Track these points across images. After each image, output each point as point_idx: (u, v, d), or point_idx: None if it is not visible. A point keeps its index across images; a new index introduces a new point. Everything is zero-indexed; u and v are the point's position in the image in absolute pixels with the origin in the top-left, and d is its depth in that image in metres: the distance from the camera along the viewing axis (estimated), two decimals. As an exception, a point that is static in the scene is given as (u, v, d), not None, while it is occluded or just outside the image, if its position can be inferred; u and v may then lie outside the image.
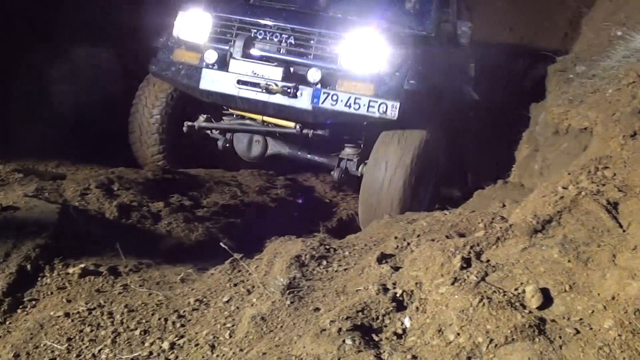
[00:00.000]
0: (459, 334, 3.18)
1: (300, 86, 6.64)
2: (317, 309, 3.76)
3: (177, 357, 3.67)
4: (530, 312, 3.29)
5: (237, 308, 4.01)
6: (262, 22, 6.99)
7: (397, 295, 3.65)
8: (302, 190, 8.41)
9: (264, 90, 6.71)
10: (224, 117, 7.87)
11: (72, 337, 3.86)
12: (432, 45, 7.69)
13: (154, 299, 4.26)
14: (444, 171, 7.66)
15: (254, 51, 6.87)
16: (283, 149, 7.63)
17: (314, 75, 6.64)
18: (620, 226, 4.02)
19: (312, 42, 6.83)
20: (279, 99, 6.71)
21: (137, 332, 3.89)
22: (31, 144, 7.21)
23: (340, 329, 3.32)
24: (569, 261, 3.63)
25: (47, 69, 8.21)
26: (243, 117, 7.61)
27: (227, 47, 6.91)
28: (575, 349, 3.06)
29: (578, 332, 3.16)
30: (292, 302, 3.81)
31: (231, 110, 7.68)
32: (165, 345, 3.76)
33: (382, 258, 4.15)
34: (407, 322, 3.46)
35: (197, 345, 3.74)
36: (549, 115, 6.57)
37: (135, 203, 5.91)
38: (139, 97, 7.93)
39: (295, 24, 6.91)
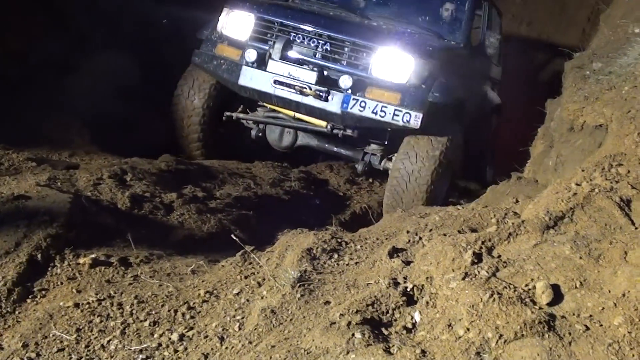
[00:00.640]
0: (468, 329, 3.17)
1: (332, 90, 7.05)
2: (327, 302, 3.75)
3: (186, 348, 3.68)
4: (540, 308, 3.28)
5: (247, 300, 4.01)
6: (301, 26, 7.35)
7: (408, 289, 3.64)
8: (316, 183, 8.37)
9: (298, 92, 7.14)
10: (258, 108, 8.31)
11: (81, 327, 3.87)
12: (460, 55, 8.24)
13: (164, 290, 4.26)
14: (462, 167, 8.13)
15: (292, 54, 7.27)
16: (312, 141, 8.16)
17: (345, 81, 7.01)
18: (633, 223, 3.99)
19: (346, 49, 7.21)
20: (311, 101, 7.14)
21: (146, 323, 3.91)
22: (46, 132, 7.22)
23: (349, 323, 3.32)
24: (581, 258, 3.62)
25: (63, 58, 8.23)
26: (276, 111, 8.02)
27: (266, 47, 7.31)
28: (585, 345, 3.05)
29: (588, 328, 3.15)
30: (302, 295, 3.81)
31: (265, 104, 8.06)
32: (175, 336, 3.77)
33: (394, 252, 4.15)
34: (417, 317, 3.45)
35: (206, 337, 3.74)
36: (564, 112, 6.53)
37: (148, 194, 5.90)
38: (181, 88, 8.24)
39: (332, 32, 7.25)
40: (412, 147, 7.24)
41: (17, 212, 4.80)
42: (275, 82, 7.18)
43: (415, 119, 6.90)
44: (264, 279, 4.19)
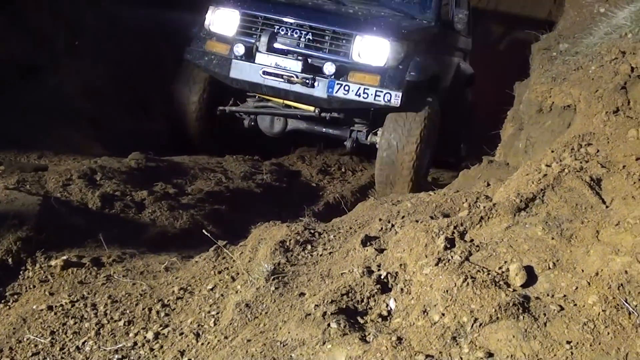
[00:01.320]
0: (443, 314, 3.17)
1: (317, 77, 7.58)
2: (302, 294, 3.74)
3: (161, 346, 3.66)
4: (514, 290, 3.28)
5: (222, 295, 4.00)
6: (284, 19, 7.89)
7: (382, 277, 3.64)
8: (288, 174, 8.38)
9: (286, 81, 7.67)
10: (247, 99, 8.71)
11: (55, 330, 3.84)
12: (432, 33, 8.81)
13: (137, 289, 4.24)
14: (439, 140, 8.60)
15: (277, 45, 7.77)
16: (301, 125, 8.60)
17: (329, 68, 7.56)
18: (604, 202, 4.02)
19: (327, 38, 7.80)
20: (299, 88, 7.67)
21: (121, 323, 3.88)
22: (13, 135, 7.15)
23: (325, 313, 3.31)
24: (553, 238, 3.63)
25: (28, 58, 8.17)
26: (265, 99, 8.50)
27: (253, 41, 7.81)
28: (560, 325, 3.06)
29: (562, 308, 3.15)
30: (276, 288, 3.80)
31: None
32: (150, 335, 3.75)
33: (367, 240, 4.14)
34: (392, 304, 3.45)
35: (181, 334, 3.73)
36: (533, 94, 6.56)
37: (119, 192, 5.87)
38: (177, 84, 8.60)
39: (313, 22, 7.82)
40: (395, 122, 7.74)
41: (-14, 217, 4.75)
42: (264, 72, 7.66)
43: (395, 98, 7.46)
44: (238, 273, 4.17)
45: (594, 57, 6.05)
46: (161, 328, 3.80)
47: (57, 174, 5.86)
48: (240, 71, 7.79)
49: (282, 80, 7.66)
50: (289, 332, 3.30)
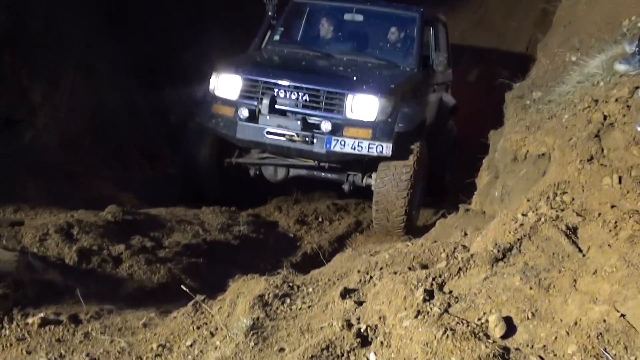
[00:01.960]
0: (424, 368, 3.17)
1: (316, 134, 8.27)
2: (281, 349, 3.72)
3: (140, 404, 3.63)
4: (494, 341, 3.29)
5: (201, 352, 3.96)
6: (282, 82, 8.50)
7: (362, 330, 3.62)
8: (265, 225, 8.39)
9: (287, 139, 8.32)
10: (251, 150, 9.29)
11: (33, 389, 3.80)
12: (415, 78, 9.55)
13: (115, 346, 4.20)
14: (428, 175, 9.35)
15: (277, 106, 8.38)
16: (302, 172, 9.26)
17: (326, 126, 8.23)
18: (580, 251, 4.04)
19: (322, 98, 8.42)
20: (299, 145, 8.36)
21: (99, 382, 3.85)
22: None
23: (305, 368, 3.30)
24: (531, 288, 3.64)
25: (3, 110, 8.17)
26: None
27: (255, 103, 8.42)
28: (541, 376, 3.07)
29: (542, 359, 3.16)
30: (256, 344, 3.77)
31: None
32: (129, 393, 3.71)
33: (346, 293, 4.13)
34: (372, 358, 3.44)
35: (161, 391, 3.69)
36: (507, 142, 6.61)
37: (96, 247, 5.84)
38: (187, 141, 9.21)
39: (309, 84, 8.47)
40: (387, 169, 8.37)
41: (-38, 274, 4.71)
42: (268, 132, 8.33)
43: (386, 149, 8.16)
44: (217, 329, 4.14)
45: (567, 106, 6.12)
46: (140, 386, 3.78)
47: (33, 228, 5.83)
48: (246, 132, 8.44)
49: (284, 138, 8.31)
50: (269, 388, 3.28)
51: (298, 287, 4.54)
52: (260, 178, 9.41)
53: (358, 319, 3.77)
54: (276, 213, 9.26)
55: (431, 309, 3.54)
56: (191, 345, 4.05)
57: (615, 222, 4.21)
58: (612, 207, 4.40)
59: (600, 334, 3.23)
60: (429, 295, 3.69)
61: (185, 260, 6.26)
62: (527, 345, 3.28)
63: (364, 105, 8.35)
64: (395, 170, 8.35)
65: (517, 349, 3.25)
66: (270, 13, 9.98)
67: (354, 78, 8.75)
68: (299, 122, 8.26)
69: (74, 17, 9.94)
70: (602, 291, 3.55)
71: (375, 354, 3.45)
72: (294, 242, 8.13)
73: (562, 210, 4.49)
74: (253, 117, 8.38)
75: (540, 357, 3.18)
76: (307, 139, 8.25)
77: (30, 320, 4.45)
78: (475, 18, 16.64)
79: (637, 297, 3.43)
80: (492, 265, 3.95)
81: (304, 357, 3.39)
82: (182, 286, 4.58)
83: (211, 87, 8.86)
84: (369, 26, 10.48)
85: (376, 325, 3.64)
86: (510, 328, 3.39)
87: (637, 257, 3.76)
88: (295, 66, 9.28)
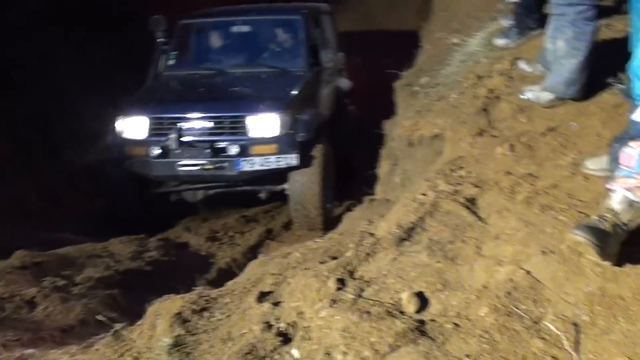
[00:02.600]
0: (346, 353, 3.22)
1: (225, 159, 8.59)
2: (206, 362, 3.74)
3: None
4: (409, 317, 3.37)
5: (127, 378, 3.96)
6: (186, 115, 8.84)
7: (281, 329, 3.66)
8: (176, 247, 8.38)
9: (200, 168, 8.63)
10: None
11: None
12: (308, 80, 9.84)
13: (41, 387, 4.16)
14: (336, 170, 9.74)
15: (185, 139, 8.66)
16: (220, 189, 9.52)
17: (232, 149, 8.56)
18: (481, 219, 4.16)
19: (225, 123, 8.77)
20: (212, 172, 8.69)
21: (28, 423, 3.80)
22: None
23: (231, 375, 3.32)
24: (438, 262, 3.75)
25: None
26: None
27: (164, 139, 8.64)
28: (457, 341, 3.16)
29: (457, 325, 3.25)
30: (180, 360, 3.79)
31: None
32: None
33: (262, 296, 4.15)
34: (295, 353, 3.48)
35: None
36: (401, 129, 6.73)
37: (7, 294, 5.75)
38: (107, 179, 9.34)
39: (211, 112, 8.83)
40: (298, 173, 8.77)
41: None
42: (180, 165, 8.63)
43: (293, 159, 8.58)
44: (140, 352, 4.12)
45: (453, 86, 6.28)
46: (69, 421, 3.74)
47: (-58, 284, 5.73)
48: (160, 169, 8.78)
49: (197, 168, 8.61)
50: (198, 400, 3.30)
51: (214, 299, 4.54)
52: (181, 201, 9.78)
53: (277, 319, 3.80)
54: (185, 234, 9.28)
55: (345, 296, 3.60)
56: (116, 373, 4.03)
57: (511, 187, 4.36)
58: (507, 173, 4.56)
59: (509, 292, 3.34)
60: (341, 283, 3.74)
61: (100, 293, 6.19)
62: (442, 315, 3.38)
63: (265, 124, 8.67)
64: (305, 176, 8.75)
65: (432, 320, 3.34)
66: (160, 39, 10.20)
67: (252, 98, 9.18)
68: (207, 150, 8.54)
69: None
70: (506, 253, 3.68)
71: (297, 348, 3.49)
72: (207, 260, 8.11)
73: (460, 184, 4.61)
74: (164, 153, 8.64)
75: (455, 323, 3.27)
76: (217, 165, 8.58)
77: (-50, 377, 4.38)
78: (358, 16, 16.83)
79: (539, 253, 3.56)
80: (398, 246, 4.04)
81: (228, 364, 3.42)
82: (98, 317, 4.55)
83: (119, 129, 9.03)
84: (256, 35, 10.81)
85: (295, 322, 3.68)
86: (423, 302, 3.48)
87: (535, 217, 3.90)
88: (195, 95, 9.62)
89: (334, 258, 4.43)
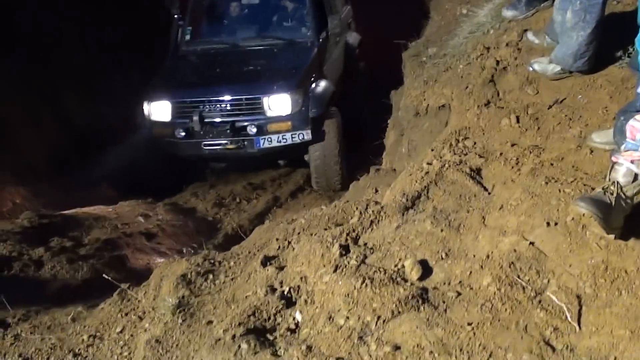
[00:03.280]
0: (348, 317, 3.26)
1: (245, 138, 9.23)
2: (209, 322, 3.79)
3: (77, 395, 3.65)
4: (412, 284, 3.40)
5: (132, 336, 4.01)
6: (206, 98, 9.42)
7: (285, 292, 3.70)
8: (183, 212, 8.45)
9: (223, 147, 9.26)
10: None
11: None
12: (317, 51, 10.27)
13: (47, 343, 4.22)
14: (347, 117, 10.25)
15: (207, 120, 9.28)
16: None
17: (251, 129, 9.20)
18: (485, 189, 4.18)
19: (243, 104, 9.37)
20: (234, 150, 9.30)
21: (34, 379, 3.86)
22: None
23: (234, 336, 3.36)
24: (442, 230, 3.77)
25: None
26: None
27: (188, 121, 9.27)
28: (459, 309, 3.19)
29: (460, 294, 3.28)
30: (184, 320, 3.83)
31: None
32: (64, 385, 3.74)
33: (266, 261, 4.19)
34: (298, 316, 3.52)
35: (95, 379, 3.73)
36: (408, 99, 6.72)
37: (15, 253, 5.83)
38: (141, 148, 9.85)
39: (228, 95, 9.39)
40: (317, 146, 9.50)
41: None
42: (205, 145, 9.26)
43: (307, 134, 9.24)
44: (144, 312, 4.19)
45: (461, 57, 6.26)
46: (75, 377, 3.80)
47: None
48: (187, 149, 9.43)
49: (220, 147, 9.24)
50: (201, 360, 3.34)
51: (220, 262, 4.59)
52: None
53: (281, 282, 3.85)
54: (193, 199, 9.44)
55: (348, 262, 3.63)
56: (121, 331, 4.09)
57: (517, 159, 4.37)
58: (513, 145, 4.57)
59: (512, 263, 3.37)
60: (345, 249, 3.77)
61: (107, 254, 6.28)
62: (444, 284, 3.41)
63: (279, 103, 9.25)
64: (323, 146, 9.50)
65: (434, 288, 3.37)
66: (175, 15, 10.78)
67: (266, 78, 9.63)
68: (228, 130, 9.15)
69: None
70: (510, 224, 3.70)
71: (300, 312, 3.53)
72: (214, 225, 8.21)
73: (465, 154, 4.62)
74: (189, 134, 9.25)
75: (457, 292, 3.31)
76: (239, 144, 9.22)
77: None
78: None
79: (543, 224, 3.58)
80: (403, 214, 4.06)
81: (232, 325, 3.45)
82: (105, 276, 4.61)
83: (146, 112, 9.59)
84: (266, 6, 11.13)
85: (298, 286, 3.72)
86: (426, 270, 3.50)
87: (540, 188, 3.91)
88: (213, 77, 10.06)
89: (339, 225, 4.46)
